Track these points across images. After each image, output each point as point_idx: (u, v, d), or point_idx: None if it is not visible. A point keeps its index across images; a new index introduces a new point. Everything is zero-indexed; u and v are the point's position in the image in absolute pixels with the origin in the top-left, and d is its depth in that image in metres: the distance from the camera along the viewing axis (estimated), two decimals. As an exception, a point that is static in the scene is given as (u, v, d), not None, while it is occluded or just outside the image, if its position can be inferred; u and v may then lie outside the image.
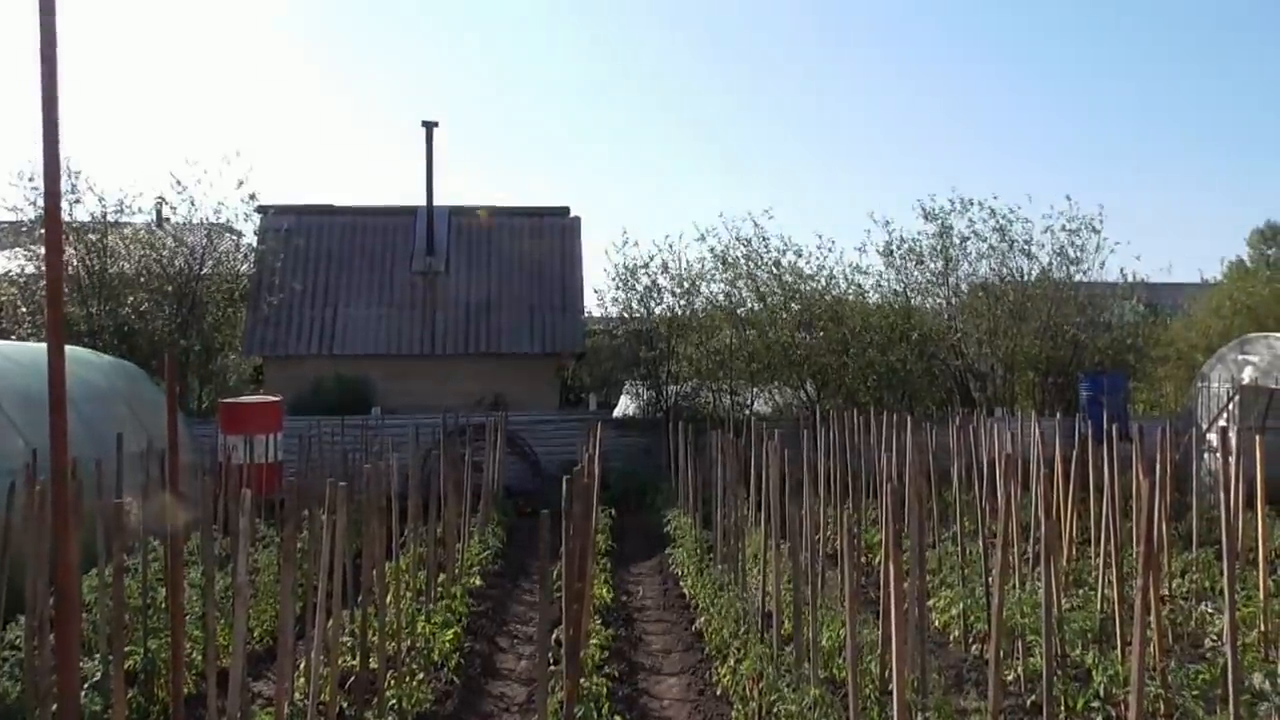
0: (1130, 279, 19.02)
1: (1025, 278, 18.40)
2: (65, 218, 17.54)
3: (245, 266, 18.94)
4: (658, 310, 18.84)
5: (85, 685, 5.82)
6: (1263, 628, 6.10)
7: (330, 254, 18.74)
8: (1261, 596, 6.27)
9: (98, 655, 6.18)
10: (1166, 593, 7.30)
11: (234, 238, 19.40)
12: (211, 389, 18.87)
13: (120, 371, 12.94)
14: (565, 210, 19.88)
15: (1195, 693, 5.13)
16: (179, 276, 17.80)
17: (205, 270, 18.16)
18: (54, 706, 5.59)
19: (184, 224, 18.43)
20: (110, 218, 17.89)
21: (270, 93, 64.14)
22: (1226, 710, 4.48)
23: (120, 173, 46.17)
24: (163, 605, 7.35)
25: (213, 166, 24.90)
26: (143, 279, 17.62)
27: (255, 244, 18.96)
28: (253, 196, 18.45)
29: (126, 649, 6.79)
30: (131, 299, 17.33)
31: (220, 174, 25.79)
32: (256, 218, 18.99)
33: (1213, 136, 62.77)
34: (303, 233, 18.55)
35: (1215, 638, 6.47)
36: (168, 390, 4.82)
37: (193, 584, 7.72)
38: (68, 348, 14.70)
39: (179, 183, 18.33)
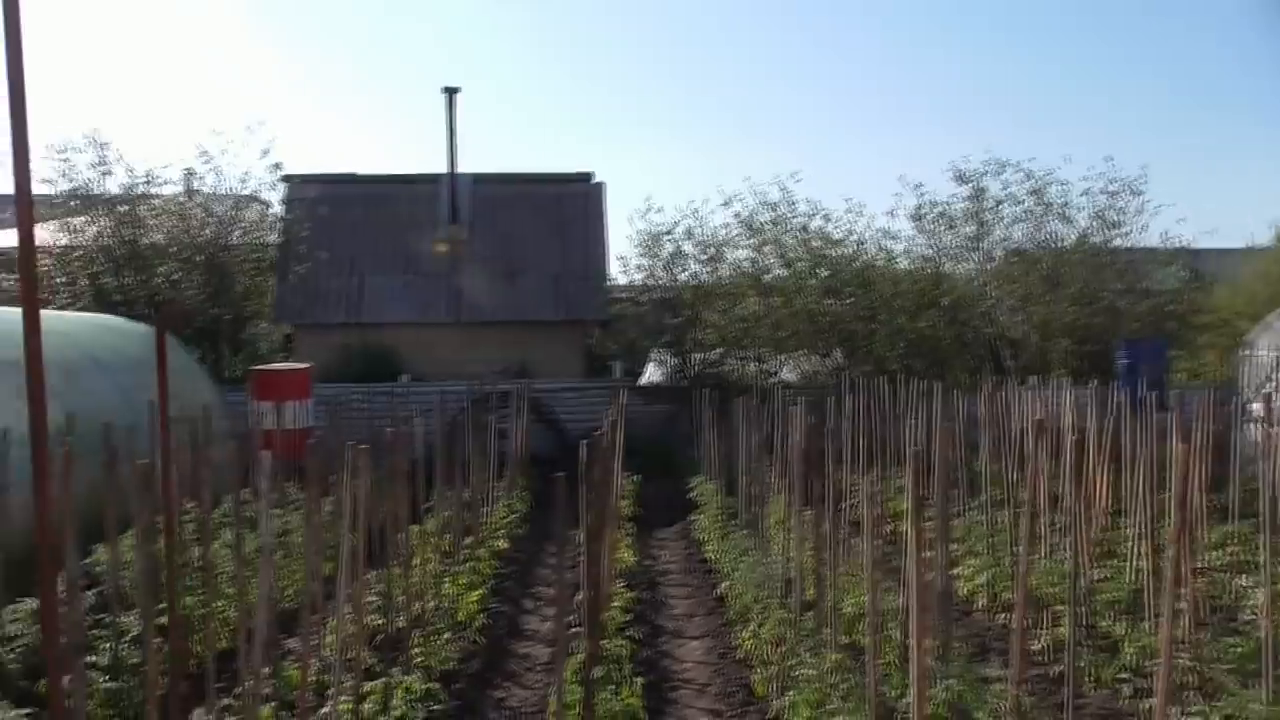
0: (1173, 244, 18.55)
1: (1062, 242, 18.03)
2: (96, 189, 17.78)
3: (272, 236, 19.05)
4: (682, 277, 18.73)
5: (124, 639, 5.94)
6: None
7: (355, 223, 18.77)
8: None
9: (135, 611, 6.28)
10: (1202, 564, 7.15)
11: (261, 207, 19.51)
12: (243, 357, 19.07)
13: (152, 340, 13.08)
14: (588, 176, 19.74)
15: (1229, 666, 5.01)
16: (208, 246, 17.94)
17: (233, 240, 18.30)
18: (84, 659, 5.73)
19: (211, 194, 18.55)
20: (139, 189, 18.05)
21: (291, 61, 64.20)
22: (1260, 683, 4.37)
23: (148, 143, 46.52)
24: (196, 564, 7.48)
25: (237, 136, 24.82)
26: (173, 249, 17.79)
27: (281, 213, 19.05)
28: (277, 166, 18.55)
29: (161, 605, 6.93)
30: (162, 268, 17.51)
31: (245, 144, 25.78)
32: (282, 187, 19.06)
33: (1263, 95, 60.89)
34: (327, 202, 18.59)
35: (1252, 611, 6.32)
36: (158, 351, 4.82)
37: (226, 544, 7.83)
38: (103, 317, 14.91)
39: (205, 153, 18.44)
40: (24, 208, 2.06)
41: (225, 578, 7.22)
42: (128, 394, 10.84)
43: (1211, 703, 4.59)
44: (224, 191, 18.35)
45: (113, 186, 17.92)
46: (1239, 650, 5.21)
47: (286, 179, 18.86)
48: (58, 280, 17.53)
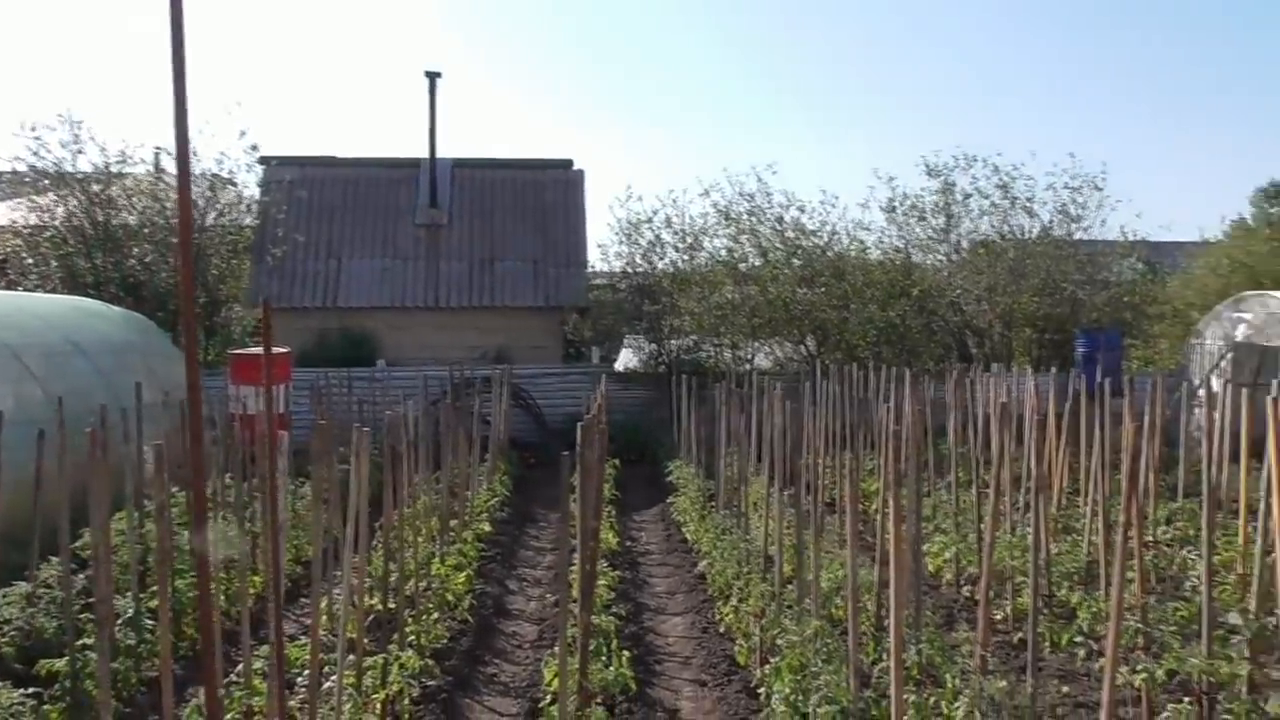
0: (1130, 237, 19.19)
1: (1026, 235, 18.55)
2: (67, 168, 17.63)
3: (249, 218, 19.02)
4: (660, 265, 19.02)
5: (118, 621, 6.10)
6: (1241, 571, 6.41)
7: (333, 206, 18.81)
8: (1241, 542, 6.56)
9: (129, 593, 6.46)
10: (1151, 539, 7.60)
11: (236, 189, 19.47)
12: (218, 341, 19.07)
13: (132, 324, 13.14)
14: (569, 163, 19.92)
15: (1173, 628, 5.44)
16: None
17: (209, 222, 18.24)
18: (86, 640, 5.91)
19: (187, 175, 18.42)
20: (113, 168, 17.91)
21: (271, 43, 63.40)
22: (1199, 642, 4.79)
23: (122, 123, 45.82)
24: (186, 548, 7.64)
25: (214, 117, 24.69)
26: (146, 230, 17.70)
27: (258, 196, 19.02)
28: (255, 148, 18.53)
29: (153, 589, 7.09)
30: (136, 250, 17.43)
31: (222, 125, 25.63)
32: (259, 169, 19.03)
33: (1218, 94, 62.29)
34: (305, 184, 18.61)
35: (1196, 580, 6.77)
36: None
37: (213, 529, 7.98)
38: (81, 300, 14.84)
39: (181, 134, 18.28)
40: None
41: (214, 564, 7.34)
42: (109, 377, 10.93)
43: (1157, 661, 5.00)
44: (199, 172, 18.27)
45: (84, 166, 17.78)
46: (1182, 614, 5.65)
47: (264, 161, 18.83)
48: (28, 261, 17.40)
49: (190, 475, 8.41)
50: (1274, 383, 9.39)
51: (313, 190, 18.70)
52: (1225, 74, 61.14)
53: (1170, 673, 4.93)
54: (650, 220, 18.95)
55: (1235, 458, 7.84)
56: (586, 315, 19.16)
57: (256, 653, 5.53)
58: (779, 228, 18.59)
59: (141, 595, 6.49)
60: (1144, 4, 62.69)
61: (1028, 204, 18.52)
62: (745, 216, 18.70)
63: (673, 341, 18.51)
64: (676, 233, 18.94)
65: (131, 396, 8.38)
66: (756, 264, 18.58)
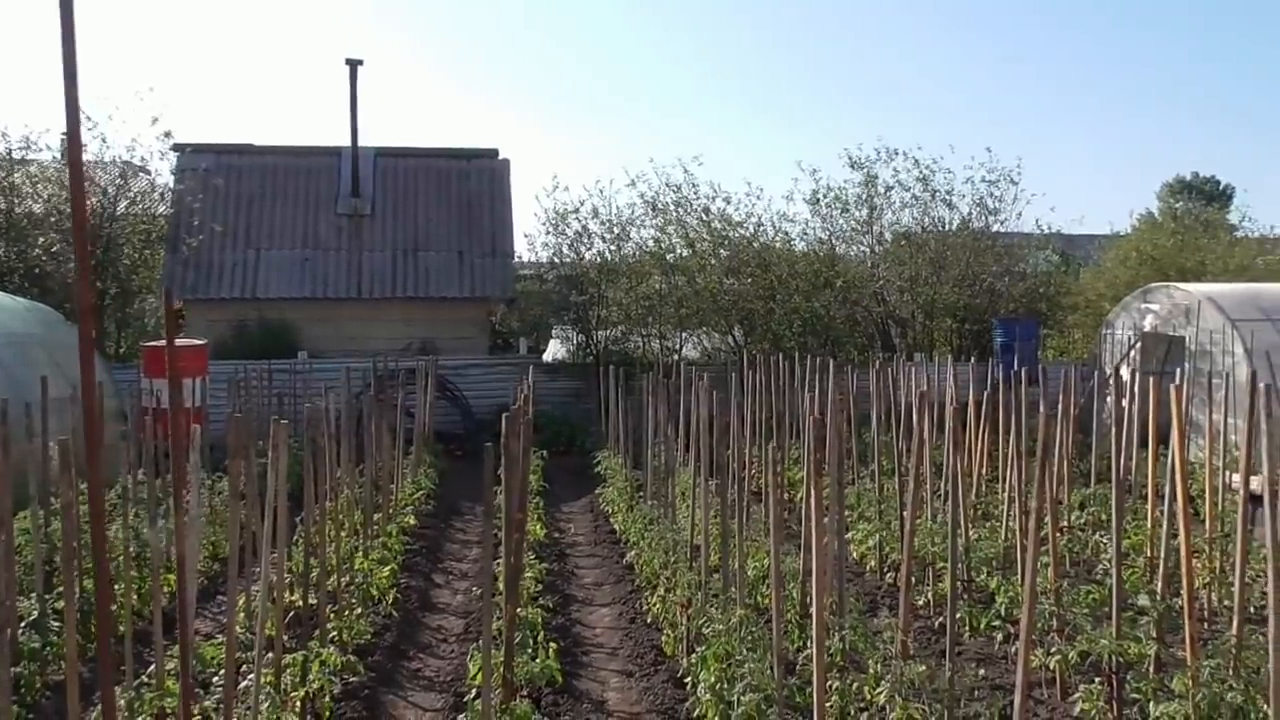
0: (1045, 230, 19.81)
1: (946, 227, 18.99)
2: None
3: (162, 207, 18.36)
4: (588, 255, 18.94)
5: (22, 623, 5.84)
6: (1149, 554, 6.65)
7: (251, 195, 18.25)
8: (1149, 526, 6.81)
9: (33, 595, 6.18)
10: (1066, 524, 7.85)
11: (149, 177, 18.77)
12: (130, 333, 18.38)
13: (36, 316, 12.57)
14: (494, 152, 19.66)
15: (1085, 610, 5.63)
16: (92, 217, 17.16)
17: (120, 210, 17.55)
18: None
19: (95, 162, 17.72)
20: (16, 154, 17.12)
21: (186, 26, 61.23)
22: (1110, 623, 4.95)
23: (26, 108, 43.71)
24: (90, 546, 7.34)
25: (125, 103, 23.73)
26: (53, 219, 16.96)
27: (172, 184, 18.37)
28: (168, 134, 17.90)
29: (60, 589, 6.80)
30: (42, 240, 16.69)
31: (134, 110, 24.68)
32: (173, 156, 18.36)
33: (1128, 91, 64.73)
34: (222, 173, 18.02)
35: (1107, 563, 7.01)
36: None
37: (128, 526, 7.68)
38: (-21, 290, 13.98)
39: (89, 118, 17.55)
40: None
41: (124, 560, 7.09)
42: (11, 370, 10.45)
43: (1070, 643, 5.17)
44: (110, 159, 17.54)
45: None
46: (1094, 597, 5.85)
47: (178, 148, 18.17)
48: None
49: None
50: (1177, 370, 9.82)
51: (230, 179, 18.11)
52: (1135, 72, 63.57)
53: (1083, 654, 5.09)
54: (577, 211, 18.86)
55: (1145, 443, 8.14)
56: (513, 306, 18.98)
57: (170, 653, 5.34)
58: (705, 219, 18.68)
59: (47, 596, 6.22)
60: (1056, 3, 64.72)
61: (947, 197, 18.98)
62: (672, 207, 18.76)
63: (600, 332, 18.46)
64: (603, 223, 18.89)
65: (36, 391, 8.02)
66: (684, 255, 18.63)
